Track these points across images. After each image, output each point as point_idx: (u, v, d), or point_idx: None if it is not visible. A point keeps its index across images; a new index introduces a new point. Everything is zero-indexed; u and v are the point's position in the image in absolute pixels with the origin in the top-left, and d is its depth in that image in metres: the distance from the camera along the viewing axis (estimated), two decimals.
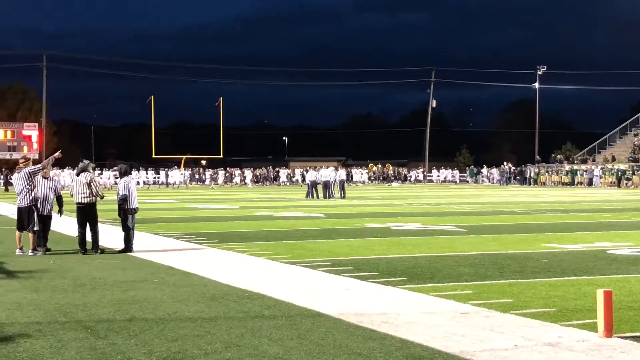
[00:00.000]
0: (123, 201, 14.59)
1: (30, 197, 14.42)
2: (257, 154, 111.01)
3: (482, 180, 73.22)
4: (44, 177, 14.72)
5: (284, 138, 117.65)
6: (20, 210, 14.53)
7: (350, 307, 8.79)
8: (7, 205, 32.08)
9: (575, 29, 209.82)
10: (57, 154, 15.43)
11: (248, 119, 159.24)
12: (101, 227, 15.15)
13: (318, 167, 48.60)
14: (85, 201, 14.38)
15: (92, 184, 14.37)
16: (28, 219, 14.40)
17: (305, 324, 7.93)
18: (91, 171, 14.69)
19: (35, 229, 14.44)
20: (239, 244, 15.90)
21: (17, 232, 14.57)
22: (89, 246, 14.40)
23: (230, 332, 7.56)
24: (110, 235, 16.63)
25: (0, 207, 31.44)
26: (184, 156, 76.84)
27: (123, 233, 14.70)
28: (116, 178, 61.70)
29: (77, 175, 14.52)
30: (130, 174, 15.34)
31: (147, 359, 6.54)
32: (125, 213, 14.60)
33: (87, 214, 14.40)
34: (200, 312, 8.62)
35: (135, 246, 14.71)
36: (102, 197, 14.65)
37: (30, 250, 14.34)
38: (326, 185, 39.08)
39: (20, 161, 15.47)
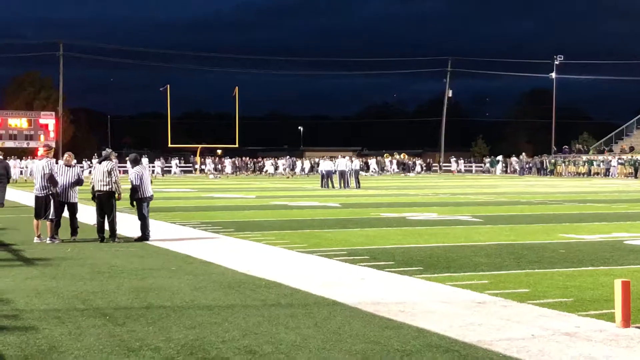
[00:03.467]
0: (134, 191, 14.72)
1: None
2: (273, 144, 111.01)
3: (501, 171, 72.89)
4: (67, 165, 14.82)
5: (299, 128, 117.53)
6: (37, 198, 14.64)
7: (366, 296, 8.80)
8: (23, 193, 32.26)
9: (592, 19, 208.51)
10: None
11: (263, 109, 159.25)
12: (118, 216, 15.20)
13: (334, 157, 48.56)
14: (105, 189, 14.47)
15: (112, 172, 14.47)
16: (45, 208, 14.50)
17: (322, 312, 7.95)
18: (113, 160, 14.82)
19: (51, 217, 14.53)
20: (255, 233, 15.93)
21: (35, 220, 14.69)
22: (107, 234, 14.51)
23: (247, 320, 7.59)
24: (127, 224, 16.70)
25: (16, 195, 31.64)
26: (200, 145, 77.02)
27: (139, 221, 14.80)
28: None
29: (100, 163, 14.65)
30: (141, 163, 15.40)
31: (165, 346, 6.59)
32: (139, 201, 14.73)
33: (104, 202, 14.49)
34: (218, 300, 8.67)
35: (152, 234, 14.81)
36: (119, 195, 14.59)
37: (48, 238, 14.44)
38: (342, 174, 39.05)
39: (44, 149, 15.42)
